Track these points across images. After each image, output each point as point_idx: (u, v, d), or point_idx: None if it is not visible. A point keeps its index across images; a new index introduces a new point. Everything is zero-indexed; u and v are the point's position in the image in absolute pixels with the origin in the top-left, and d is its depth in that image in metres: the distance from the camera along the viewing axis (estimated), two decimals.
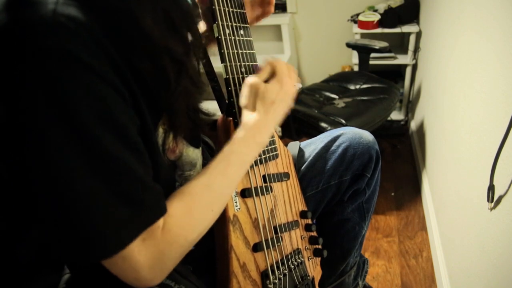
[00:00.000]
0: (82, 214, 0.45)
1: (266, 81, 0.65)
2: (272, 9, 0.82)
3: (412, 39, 2.24)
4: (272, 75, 0.66)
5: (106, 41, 0.45)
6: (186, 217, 0.55)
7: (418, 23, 2.27)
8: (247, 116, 0.63)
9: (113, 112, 0.46)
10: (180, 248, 0.54)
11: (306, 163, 0.91)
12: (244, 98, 0.64)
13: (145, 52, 0.50)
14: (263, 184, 0.73)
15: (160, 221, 0.52)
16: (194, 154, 0.64)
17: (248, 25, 0.70)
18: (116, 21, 0.48)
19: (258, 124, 0.63)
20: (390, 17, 2.23)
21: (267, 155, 0.75)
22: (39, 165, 0.44)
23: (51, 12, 0.42)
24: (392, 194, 1.91)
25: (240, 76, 0.68)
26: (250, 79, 0.64)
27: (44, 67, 0.42)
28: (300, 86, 1.46)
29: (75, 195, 0.44)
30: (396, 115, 2.48)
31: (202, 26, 0.78)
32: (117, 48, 0.47)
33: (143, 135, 0.52)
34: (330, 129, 1.51)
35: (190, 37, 0.58)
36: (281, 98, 0.64)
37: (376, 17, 2.24)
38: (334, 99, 1.87)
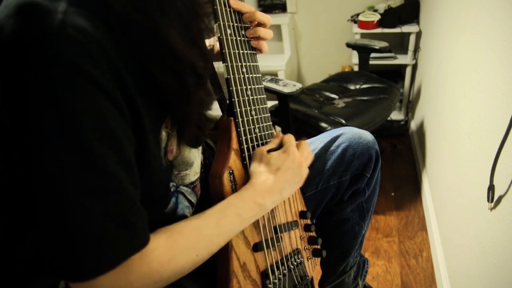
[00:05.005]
0: (71, 229, 0.44)
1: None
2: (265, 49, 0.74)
3: (412, 39, 2.24)
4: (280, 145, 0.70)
5: (114, 55, 0.45)
6: (168, 254, 0.52)
7: (418, 23, 2.27)
8: (253, 178, 0.66)
9: (112, 128, 0.46)
10: (152, 285, 0.51)
11: None
12: (251, 164, 0.68)
13: (167, 66, 0.50)
14: None
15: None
16: (190, 153, 0.64)
17: (249, 25, 0.71)
18: (138, 35, 0.47)
19: (261, 186, 0.64)
20: (390, 17, 2.23)
21: None
22: (35, 171, 0.44)
23: (59, 22, 0.42)
24: (392, 194, 1.91)
25: (241, 76, 0.68)
26: (257, 149, 0.69)
27: (48, 79, 0.42)
28: (300, 86, 1.46)
29: (66, 210, 0.44)
30: (396, 115, 2.48)
31: None
32: (129, 63, 0.46)
33: (141, 149, 0.51)
34: (330, 129, 1.51)
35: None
36: (288, 166, 0.66)
37: (376, 17, 2.25)
38: (334, 99, 1.88)
